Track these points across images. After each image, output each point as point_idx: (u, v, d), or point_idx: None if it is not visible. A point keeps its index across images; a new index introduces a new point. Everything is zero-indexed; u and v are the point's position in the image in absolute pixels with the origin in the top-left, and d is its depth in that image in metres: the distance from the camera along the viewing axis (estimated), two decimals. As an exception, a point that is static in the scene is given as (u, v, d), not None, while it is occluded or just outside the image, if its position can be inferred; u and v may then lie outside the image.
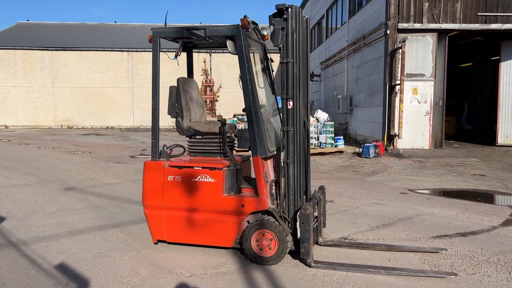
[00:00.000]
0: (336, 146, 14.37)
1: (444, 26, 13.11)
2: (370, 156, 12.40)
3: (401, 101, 12.73)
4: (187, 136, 4.89)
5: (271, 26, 4.33)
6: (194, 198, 4.41)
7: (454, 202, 7.04)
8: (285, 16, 4.20)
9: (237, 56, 4.33)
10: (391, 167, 11.01)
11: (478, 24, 13.12)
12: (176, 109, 4.81)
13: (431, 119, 13.33)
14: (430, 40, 13.20)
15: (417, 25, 13.03)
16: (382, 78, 13.55)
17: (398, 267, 4.07)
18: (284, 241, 4.15)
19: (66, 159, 12.74)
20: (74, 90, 30.24)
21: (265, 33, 4.84)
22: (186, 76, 5.44)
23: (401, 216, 6.06)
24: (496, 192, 8.01)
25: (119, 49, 30.46)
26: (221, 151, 4.74)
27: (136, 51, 30.41)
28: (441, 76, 13.40)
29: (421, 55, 13.14)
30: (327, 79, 21.55)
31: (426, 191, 8.03)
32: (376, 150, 12.55)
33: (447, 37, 13.51)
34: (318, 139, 13.77)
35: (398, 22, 13.04)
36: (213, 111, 27.70)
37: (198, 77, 30.35)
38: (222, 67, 30.94)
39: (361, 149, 12.87)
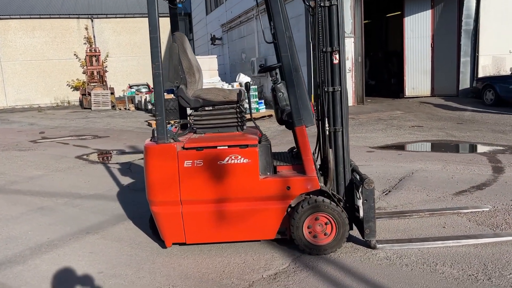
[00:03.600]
0: (259, 110, 13.90)
1: (360, -19, 13.09)
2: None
3: (327, 59, 12.52)
4: (191, 109, 3.84)
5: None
6: (223, 185, 3.47)
7: (426, 156, 7.00)
8: None
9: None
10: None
11: (389, -21, 13.34)
12: (180, 74, 3.71)
13: (353, 76, 13.45)
14: (347, -4, 13.12)
15: (336, -19, 12.78)
16: (304, 37, 13.19)
17: (472, 234, 3.69)
18: (344, 224, 3.47)
19: None
20: None
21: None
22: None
23: (398, 175, 5.76)
24: (448, 141, 8.22)
25: (-23, 17, 25.70)
26: (238, 123, 3.82)
27: (0, 18, 25.95)
28: (359, 32, 13.51)
29: (341, 12, 12.99)
30: (232, 42, 20.70)
31: (389, 147, 7.91)
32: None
33: (362, -7, 13.57)
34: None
35: (318, -23, 12.64)
36: (104, 83, 25.18)
37: (81, 46, 27.19)
38: (107, 34, 28.07)
39: (291, 111, 12.50)
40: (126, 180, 6.44)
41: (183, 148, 3.49)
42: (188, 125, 4.11)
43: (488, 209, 4.26)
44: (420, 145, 8.07)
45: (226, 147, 3.49)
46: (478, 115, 11.02)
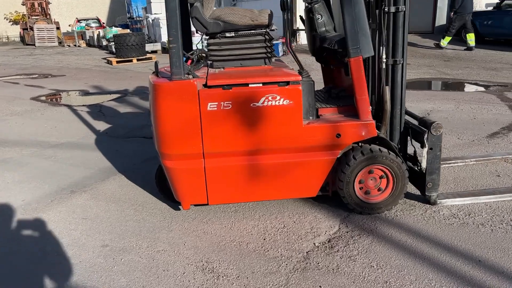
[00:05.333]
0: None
1: None
2: (280, 55, 11.29)
3: (306, -10, 11.54)
4: (207, 35, 2.98)
5: None
6: (257, 134, 2.74)
7: (431, 94, 6.51)
8: None
9: None
10: (312, 65, 10.10)
11: None
12: (196, -13, 2.81)
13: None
14: None
15: None
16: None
17: (542, 185, 3.22)
18: (404, 177, 2.88)
19: None
20: None
21: None
22: None
23: (413, 117, 5.22)
24: (444, 79, 7.77)
25: None
26: (267, 54, 3.03)
27: None
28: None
29: None
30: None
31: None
32: (284, 48, 11.45)
33: None
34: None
35: None
36: (48, 17, 22.70)
37: (18, -26, 24.10)
38: (47, -40, 24.95)
39: (266, 48, 11.61)
40: (100, 126, 5.52)
41: (205, 86, 2.68)
42: (198, 57, 3.25)
43: (536, 154, 3.82)
44: (417, 83, 7.54)
45: (261, 84, 2.72)
46: (461, 53, 10.63)
